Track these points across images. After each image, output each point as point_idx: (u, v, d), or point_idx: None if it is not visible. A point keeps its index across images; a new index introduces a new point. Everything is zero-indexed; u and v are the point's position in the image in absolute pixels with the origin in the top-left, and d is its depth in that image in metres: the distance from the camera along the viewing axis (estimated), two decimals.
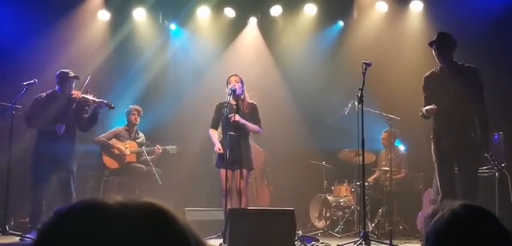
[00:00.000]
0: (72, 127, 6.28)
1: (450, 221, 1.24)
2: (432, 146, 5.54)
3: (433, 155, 5.52)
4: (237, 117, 6.11)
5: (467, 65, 5.53)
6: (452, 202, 1.30)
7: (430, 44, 5.55)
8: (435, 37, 5.54)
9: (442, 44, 5.47)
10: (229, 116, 6.02)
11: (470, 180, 5.36)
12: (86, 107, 6.32)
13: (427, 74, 5.66)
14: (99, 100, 6.26)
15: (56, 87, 6.30)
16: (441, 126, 5.50)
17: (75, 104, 6.17)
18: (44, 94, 6.29)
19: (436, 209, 1.30)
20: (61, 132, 6.11)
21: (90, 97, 6.25)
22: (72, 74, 6.29)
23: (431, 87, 5.57)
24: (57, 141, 6.10)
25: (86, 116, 6.33)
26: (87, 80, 6.32)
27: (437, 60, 5.52)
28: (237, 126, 6.15)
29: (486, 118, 5.38)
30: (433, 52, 5.51)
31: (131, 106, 7.79)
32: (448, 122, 5.44)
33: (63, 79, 6.24)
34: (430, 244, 1.26)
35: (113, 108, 6.38)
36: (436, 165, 5.51)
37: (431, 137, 5.57)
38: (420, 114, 5.59)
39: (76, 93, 6.24)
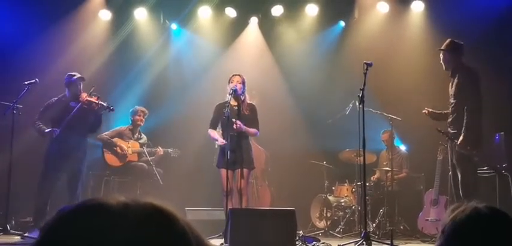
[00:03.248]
0: (81, 128, 6.41)
1: (472, 216, 1.22)
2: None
3: None
4: (239, 125, 6.12)
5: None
6: (474, 201, 1.28)
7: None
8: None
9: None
10: (232, 122, 6.01)
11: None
12: (90, 110, 6.45)
13: None
14: (101, 103, 6.43)
15: (66, 91, 6.50)
16: None
17: (82, 106, 6.35)
18: (55, 98, 6.47)
19: (457, 205, 1.28)
20: (54, 136, 6.26)
21: (93, 100, 6.41)
22: (77, 75, 6.48)
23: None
24: (69, 140, 6.26)
25: (91, 118, 6.48)
26: (93, 88, 6.54)
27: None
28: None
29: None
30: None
31: (137, 107, 7.76)
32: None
33: (70, 82, 6.43)
34: (447, 235, 1.23)
35: (112, 110, 6.58)
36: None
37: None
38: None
39: (83, 96, 6.41)
